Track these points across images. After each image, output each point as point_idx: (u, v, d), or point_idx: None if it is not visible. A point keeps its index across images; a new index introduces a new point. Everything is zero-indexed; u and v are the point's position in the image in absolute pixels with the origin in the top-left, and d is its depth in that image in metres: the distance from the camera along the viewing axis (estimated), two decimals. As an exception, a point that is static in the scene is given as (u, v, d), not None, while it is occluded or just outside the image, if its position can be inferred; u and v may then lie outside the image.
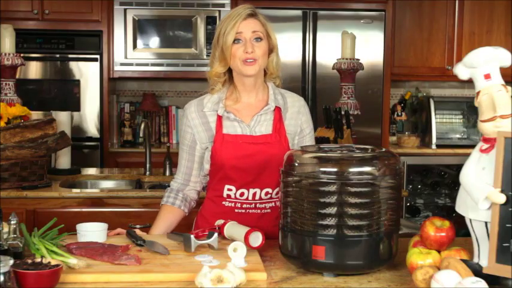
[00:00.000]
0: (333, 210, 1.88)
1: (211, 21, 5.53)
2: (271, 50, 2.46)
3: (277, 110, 2.49)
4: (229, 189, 2.44)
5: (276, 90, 2.53)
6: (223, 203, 2.46)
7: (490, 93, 1.83)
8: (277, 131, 2.46)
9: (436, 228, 1.96)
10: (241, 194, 2.44)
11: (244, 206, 2.44)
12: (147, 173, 4.08)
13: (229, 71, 2.47)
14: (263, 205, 2.44)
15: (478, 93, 1.86)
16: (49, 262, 1.80)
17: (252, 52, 2.37)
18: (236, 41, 2.38)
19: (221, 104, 2.46)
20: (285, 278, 1.93)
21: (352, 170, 1.91)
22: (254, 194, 2.43)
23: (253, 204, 2.44)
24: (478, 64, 1.86)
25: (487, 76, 1.85)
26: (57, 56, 5.53)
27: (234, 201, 2.45)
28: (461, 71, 1.91)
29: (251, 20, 2.40)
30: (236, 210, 2.45)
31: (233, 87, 2.49)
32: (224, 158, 2.40)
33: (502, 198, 1.74)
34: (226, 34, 2.38)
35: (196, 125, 2.47)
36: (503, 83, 1.85)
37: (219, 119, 2.44)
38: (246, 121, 2.45)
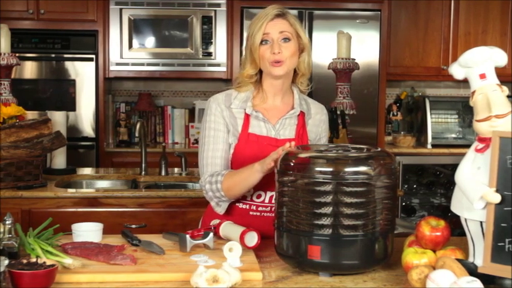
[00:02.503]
0: (328, 210, 1.88)
1: (207, 20, 5.53)
2: (302, 50, 2.44)
3: (301, 116, 2.48)
4: None
5: (301, 96, 2.52)
6: (237, 204, 2.42)
7: (485, 93, 1.83)
8: (300, 137, 2.45)
9: (431, 227, 1.96)
10: (258, 196, 2.41)
11: (260, 208, 2.41)
12: (143, 172, 4.08)
13: (260, 71, 2.45)
14: None
15: (473, 92, 1.87)
16: (44, 262, 1.80)
17: (279, 53, 2.34)
18: (264, 42, 2.36)
19: (249, 102, 2.43)
20: (280, 277, 1.94)
21: (347, 169, 1.91)
22: (271, 198, 2.40)
23: (268, 208, 2.41)
24: (474, 64, 1.86)
25: (482, 76, 1.86)
26: (53, 55, 5.52)
27: (250, 203, 2.42)
28: (456, 70, 1.92)
29: (279, 20, 2.37)
30: (251, 213, 2.42)
31: (260, 88, 2.47)
32: (246, 157, 2.37)
33: (497, 198, 1.75)
34: (254, 35, 2.36)
35: (225, 116, 2.43)
36: (498, 82, 1.86)
37: (247, 117, 2.42)
38: (272, 122, 2.44)
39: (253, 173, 2.23)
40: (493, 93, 1.83)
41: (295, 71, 2.46)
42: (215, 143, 2.41)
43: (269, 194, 2.40)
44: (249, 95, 2.45)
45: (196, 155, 4.56)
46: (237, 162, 2.41)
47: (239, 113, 2.43)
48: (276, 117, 2.45)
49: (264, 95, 2.46)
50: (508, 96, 1.86)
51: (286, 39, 2.37)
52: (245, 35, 5.35)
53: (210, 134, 2.42)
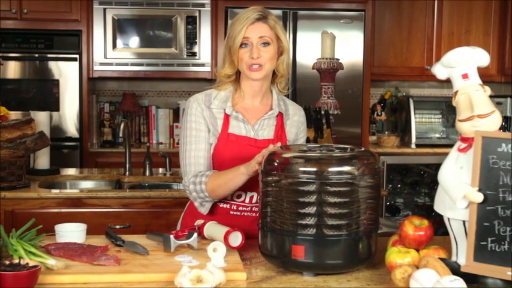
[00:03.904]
0: (312, 209, 1.88)
1: (191, 20, 5.52)
2: (281, 52, 2.44)
3: (280, 116, 2.49)
4: None
5: (279, 97, 2.53)
6: (218, 203, 2.43)
7: (468, 93, 1.84)
8: (279, 138, 2.45)
9: (414, 227, 1.97)
10: (239, 196, 2.42)
11: (240, 208, 2.43)
12: (127, 173, 4.06)
13: (238, 71, 2.45)
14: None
15: (455, 92, 1.88)
16: (27, 263, 1.79)
17: (258, 57, 2.35)
18: (243, 45, 2.37)
19: (229, 102, 2.44)
20: (264, 277, 1.94)
21: (331, 169, 1.91)
22: (251, 198, 2.42)
23: (249, 208, 2.43)
24: (456, 64, 1.87)
25: (465, 76, 1.87)
26: (36, 55, 5.49)
27: (230, 202, 2.43)
28: (439, 70, 1.93)
29: (259, 24, 2.38)
30: (231, 212, 2.43)
31: (238, 87, 2.47)
32: (226, 157, 2.38)
33: (479, 197, 1.76)
34: (234, 38, 2.37)
35: (206, 116, 2.42)
36: (480, 82, 1.87)
37: (227, 117, 2.42)
38: (251, 123, 2.44)
39: (238, 175, 2.24)
40: (476, 93, 1.84)
41: (274, 72, 2.47)
42: (197, 143, 2.41)
43: (249, 194, 2.42)
44: (229, 95, 2.45)
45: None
46: (216, 163, 2.42)
47: (219, 113, 2.43)
48: (254, 117, 2.46)
49: (242, 94, 2.47)
50: (490, 96, 1.87)
51: (266, 44, 2.38)
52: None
53: (191, 133, 2.42)
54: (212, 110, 2.43)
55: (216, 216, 2.40)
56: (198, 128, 2.42)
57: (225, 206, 2.43)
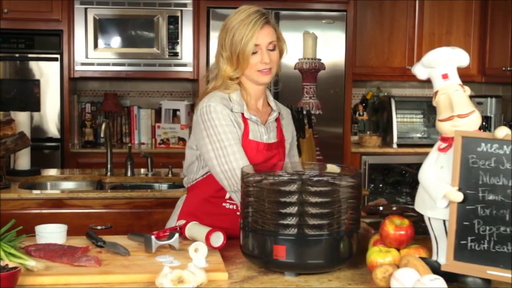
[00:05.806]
0: (293, 209, 1.88)
1: (173, 20, 5.51)
2: (281, 52, 2.44)
3: (278, 118, 2.48)
4: None
5: (273, 98, 2.52)
6: (224, 204, 2.40)
7: (448, 93, 1.85)
8: (281, 140, 2.46)
9: (395, 226, 1.98)
10: None
11: None
12: (108, 173, 4.05)
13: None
14: None
15: (436, 92, 1.89)
16: (7, 264, 1.78)
17: (269, 62, 2.34)
18: (254, 52, 2.33)
19: (245, 106, 2.37)
20: (246, 277, 1.94)
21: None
22: None
23: None
24: (436, 64, 1.88)
25: (445, 76, 1.88)
26: (17, 55, 5.45)
27: (236, 203, 2.37)
28: (419, 71, 1.94)
29: (267, 28, 2.35)
30: (238, 213, 2.37)
31: (244, 90, 2.41)
32: None
33: (459, 197, 1.77)
34: (244, 43, 2.31)
35: (232, 120, 2.33)
36: (460, 82, 1.88)
37: (245, 121, 2.36)
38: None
39: None
40: (455, 93, 1.85)
41: None
42: (238, 145, 2.29)
43: None
44: (240, 98, 2.38)
45: (162, 156, 4.52)
46: None
47: (239, 116, 2.36)
48: (263, 120, 2.43)
49: (249, 97, 2.41)
50: (470, 97, 1.89)
51: (273, 49, 2.37)
52: (212, 35, 5.36)
53: (228, 137, 2.28)
54: (235, 114, 2.35)
55: (222, 216, 2.38)
56: (232, 131, 2.30)
57: (230, 206, 2.41)
